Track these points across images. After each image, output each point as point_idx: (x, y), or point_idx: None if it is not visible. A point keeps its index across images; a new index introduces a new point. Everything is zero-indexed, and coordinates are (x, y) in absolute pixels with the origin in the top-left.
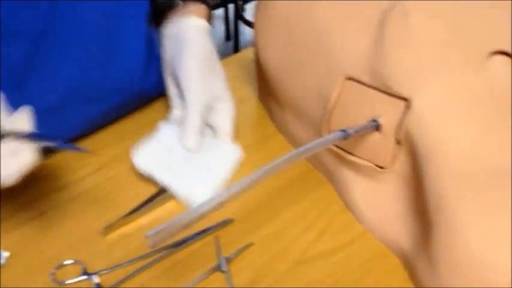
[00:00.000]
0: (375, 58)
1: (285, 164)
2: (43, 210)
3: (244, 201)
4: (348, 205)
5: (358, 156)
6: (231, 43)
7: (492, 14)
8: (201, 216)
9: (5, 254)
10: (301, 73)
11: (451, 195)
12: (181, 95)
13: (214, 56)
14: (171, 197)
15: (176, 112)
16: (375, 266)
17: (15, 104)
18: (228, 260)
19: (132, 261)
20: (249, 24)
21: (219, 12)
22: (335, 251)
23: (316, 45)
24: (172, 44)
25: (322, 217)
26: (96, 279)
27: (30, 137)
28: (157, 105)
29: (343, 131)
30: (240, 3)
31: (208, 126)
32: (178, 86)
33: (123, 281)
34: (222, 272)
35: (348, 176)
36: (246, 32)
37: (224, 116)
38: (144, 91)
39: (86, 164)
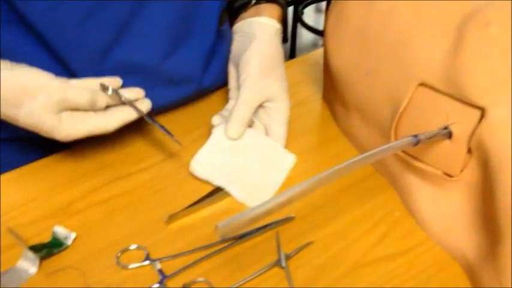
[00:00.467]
0: (451, 66)
1: (354, 165)
2: (110, 196)
3: (306, 200)
4: (411, 211)
5: (425, 163)
6: (287, 45)
7: None
8: (270, 211)
9: (72, 235)
10: (373, 77)
11: None
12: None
13: (279, 56)
14: None
15: (231, 103)
16: (436, 275)
17: None
18: (288, 257)
19: (193, 250)
20: (307, 27)
21: None
22: (395, 256)
23: (391, 50)
24: (240, 38)
25: (383, 221)
26: (158, 266)
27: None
28: (217, 97)
29: (415, 136)
30: (300, 7)
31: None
32: (238, 79)
33: (183, 269)
34: (281, 268)
35: (413, 182)
36: (303, 34)
37: (277, 118)
38: (204, 84)
39: (152, 155)
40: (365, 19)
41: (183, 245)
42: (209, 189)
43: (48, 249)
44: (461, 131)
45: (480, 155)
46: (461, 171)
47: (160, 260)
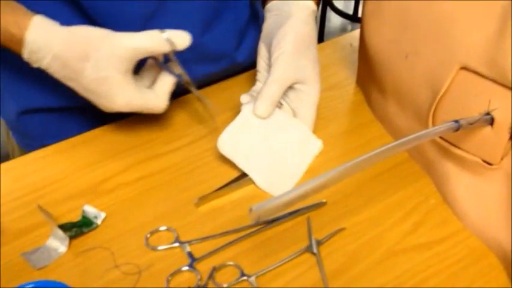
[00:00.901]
0: (494, 49)
1: (393, 150)
2: (140, 177)
3: (338, 186)
4: (447, 199)
5: (464, 150)
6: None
7: None
8: (305, 195)
9: (102, 214)
10: (412, 60)
11: None
12: (269, 69)
13: (313, 38)
14: None
15: (259, 85)
16: (472, 265)
17: None
18: (319, 243)
19: (223, 234)
20: (337, 11)
21: None
22: (430, 245)
23: (433, 32)
24: (275, 17)
25: (418, 209)
26: (187, 248)
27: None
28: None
29: (456, 121)
30: None
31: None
32: (268, 58)
33: (213, 252)
34: (313, 254)
35: (451, 170)
36: (332, 18)
37: (307, 101)
38: (238, 59)
39: (182, 136)
40: None
41: (213, 228)
42: (239, 172)
43: (78, 228)
44: (503, 118)
45: None
46: (502, 159)
47: (189, 242)
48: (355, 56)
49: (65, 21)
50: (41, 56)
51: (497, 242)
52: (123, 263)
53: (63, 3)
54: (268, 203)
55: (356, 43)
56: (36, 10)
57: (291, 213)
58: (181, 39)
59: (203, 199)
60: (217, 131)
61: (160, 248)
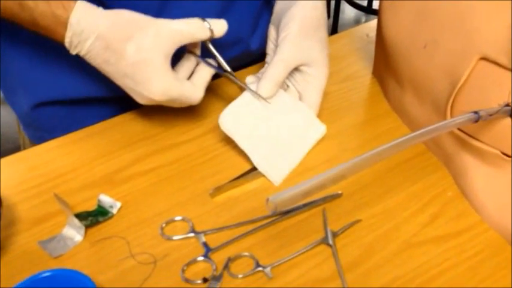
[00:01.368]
0: None
1: (411, 142)
2: (155, 166)
3: (354, 177)
4: (465, 192)
5: (483, 142)
6: (330, 21)
7: None
8: (323, 186)
9: (117, 204)
10: (430, 50)
11: None
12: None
13: (323, 21)
14: None
15: (267, 66)
16: (489, 258)
17: None
18: (335, 235)
19: (238, 224)
20: (351, 3)
21: None
22: (447, 237)
23: (452, 22)
24: (285, 0)
25: (435, 202)
26: (203, 238)
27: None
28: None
29: (475, 112)
30: None
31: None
32: (276, 40)
33: (228, 243)
34: (328, 245)
35: (469, 162)
36: (346, 10)
37: (314, 84)
38: (252, 46)
39: (198, 125)
40: None
41: (228, 219)
42: None
43: (94, 217)
44: None
45: None
46: None
47: (205, 232)
48: (371, 46)
49: None
50: (84, 37)
51: None
52: (139, 253)
53: None
54: (285, 193)
55: (372, 33)
56: None
57: (306, 205)
58: (220, 25)
59: (218, 189)
60: None
61: (175, 238)
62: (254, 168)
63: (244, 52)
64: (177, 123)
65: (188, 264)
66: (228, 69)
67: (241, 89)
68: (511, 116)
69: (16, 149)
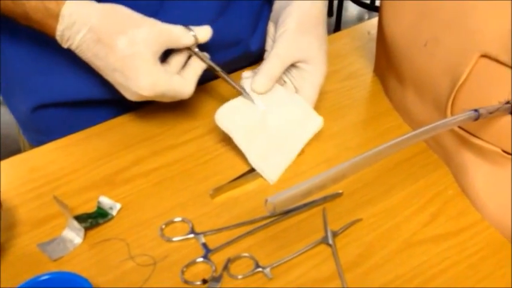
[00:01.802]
0: None
1: (411, 140)
2: (155, 167)
3: (354, 176)
4: (466, 190)
5: (483, 140)
6: (332, 19)
7: None
8: (322, 186)
9: (117, 205)
10: (431, 47)
11: None
12: None
13: (321, 18)
14: None
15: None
16: (490, 257)
17: None
18: (335, 234)
19: (238, 225)
20: (354, 0)
21: None
22: (448, 236)
23: (452, 19)
24: None
25: (436, 200)
26: (202, 239)
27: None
28: None
29: (475, 110)
30: None
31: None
32: (275, 36)
33: (228, 244)
34: (328, 245)
35: (469, 160)
36: (349, 8)
37: (311, 81)
38: (252, 47)
39: (198, 126)
40: None
41: (228, 219)
42: None
43: (93, 219)
44: None
45: None
46: None
47: (204, 233)
48: (373, 44)
49: None
50: (75, 30)
51: None
52: (138, 254)
53: None
54: (284, 193)
55: (374, 31)
56: None
57: (306, 204)
58: (204, 32)
59: (218, 190)
60: None
61: (175, 239)
62: (254, 169)
63: (244, 53)
64: (177, 124)
65: (188, 266)
66: (219, 68)
67: (233, 88)
68: (511, 113)
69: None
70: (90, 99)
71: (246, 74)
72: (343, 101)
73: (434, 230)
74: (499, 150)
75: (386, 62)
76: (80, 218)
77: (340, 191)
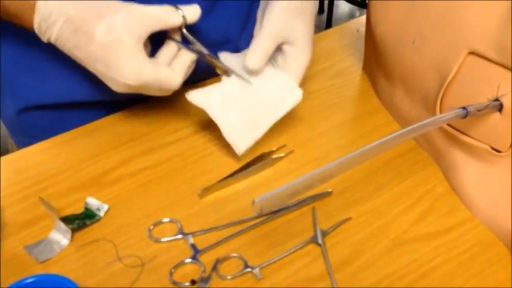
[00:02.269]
0: (503, 33)
1: (399, 139)
2: (143, 168)
3: (344, 174)
4: (455, 188)
5: (472, 137)
6: (323, 16)
7: None
8: (310, 186)
9: (105, 206)
10: (419, 45)
11: None
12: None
13: (309, 10)
14: (269, 164)
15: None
16: (480, 254)
17: None
18: (324, 233)
19: (227, 225)
20: None
21: None
22: (437, 234)
23: (440, 16)
24: None
25: (425, 198)
26: (191, 240)
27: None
28: None
29: (464, 108)
30: None
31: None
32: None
33: (217, 244)
34: (317, 244)
35: (458, 157)
36: (339, 5)
37: (294, 65)
38: (240, 46)
39: (187, 125)
40: None
41: (217, 219)
42: (244, 162)
43: (81, 220)
44: None
45: None
46: (511, 146)
47: (193, 234)
48: (362, 42)
49: None
50: (52, 21)
51: (505, 230)
52: (126, 255)
53: None
54: (271, 193)
55: (363, 29)
56: None
57: (295, 203)
58: (192, 11)
59: (207, 190)
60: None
61: (163, 240)
62: (243, 168)
63: (232, 52)
64: (165, 124)
65: (176, 267)
66: (208, 52)
67: (223, 72)
68: (500, 110)
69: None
70: (77, 101)
71: (223, 55)
72: (332, 99)
73: (424, 228)
74: (488, 148)
75: (374, 59)
76: (67, 220)
77: (330, 190)
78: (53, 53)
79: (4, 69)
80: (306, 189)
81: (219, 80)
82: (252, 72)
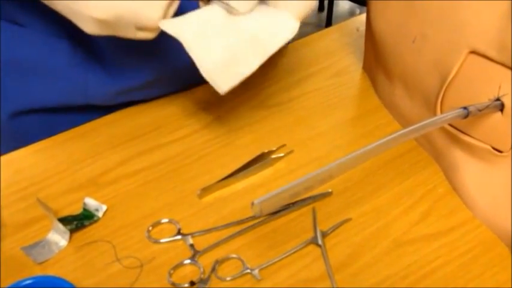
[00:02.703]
0: (505, 32)
1: (400, 139)
2: (141, 168)
3: (344, 175)
4: (456, 188)
5: (473, 137)
6: (323, 14)
7: None
8: (310, 187)
9: (103, 207)
10: (419, 44)
11: None
12: None
13: None
14: (268, 164)
15: None
16: (481, 255)
17: None
18: (324, 234)
19: (226, 225)
20: None
21: None
22: (438, 235)
23: (441, 14)
24: None
25: (426, 198)
26: (190, 241)
27: None
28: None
29: (465, 108)
30: None
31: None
32: None
33: (216, 245)
34: (317, 245)
35: (459, 157)
36: (340, 3)
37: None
38: None
39: (185, 125)
40: None
41: (216, 220)
42: (243, 161)
43: (79, 221)
44: None
45: None
46: None
47: (192, 234)
48: (362, 40)
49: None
50: None
51: (507, 231)
52: (125, 257)
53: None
54: (270, 196)
55: (363, 27)
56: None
57: (295, 204)
58: None
59: (206, 190)
60: (220, 120)
61: (162, 240)
62: (242, 168)
63: None
64: (163, 124)
65: (175, 268)
66: None
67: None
68: (501, 110)
69: None
70: (67, 106)
71: None
72: (332, 99)
73: (424, 229)
74: (489, 148)
75: (374, 58)
76: (65, 220)
77: (330, 190)
78: (43, 57)
79: None
80: (306, 191)
81: None
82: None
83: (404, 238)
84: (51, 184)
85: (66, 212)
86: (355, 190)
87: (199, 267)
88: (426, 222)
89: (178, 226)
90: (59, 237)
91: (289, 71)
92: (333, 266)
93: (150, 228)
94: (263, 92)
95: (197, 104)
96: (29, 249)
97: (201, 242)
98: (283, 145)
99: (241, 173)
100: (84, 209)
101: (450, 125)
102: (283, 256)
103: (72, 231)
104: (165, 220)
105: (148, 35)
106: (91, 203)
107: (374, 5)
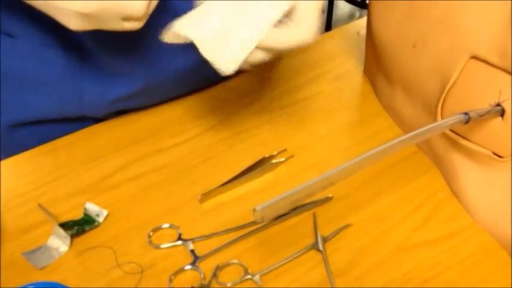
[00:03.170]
0: (506, 37)
1: (401, 145)
2: (142, 172)
3: (345, 180)
4: (456, 193)
5: (473, 142)
6: (323, 17)
7: None
8: (311, 193)
9: (104, 212)
10: (420, 48)
11: None
12: None
13: None
14: (269, 169)
15: None
16: (482, 261)
17: None
18: (325, 240)
19: (227, 231)
20: None
21: None
22: (439, 241)
23: (442, 19)
24: None
25: (426, 204)
26: (191, 246)
27: None
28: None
29: (465, 113)
30: None
31: None
32: None
33: (217, 250)
34: (318, 251)
35: (460, 163)
36: (340, 5)
37: None
38: None
39: (186, 130)
40: None
41: (217, 225)
42: (245, 166)
43: (80, 226)
44: None
45: None
46: None
47: (193, 240)
48: (363, 44)
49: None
50: None
51: (507, 237)
52: (126, 262)
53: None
54: (271, 202)
55: (363, 32)
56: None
57: (296, 209)
58: None
59: (207, 195)
60: (221, 125)
61: (163, 246)
62: (244, 173)
63: None
64: (164, 128)
65: (176, 273)
66: None
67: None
68: (502, 116)
69: None
70: (64, 118)
71: None
72: (333, 103)
73: (425, 234)
74: (490, 153)
75: (375, 63)
76: (66, 225)
77: (330, 195)
78: (33, 69)
79: None
80: (307, 197)
81: (221, 86)
82: None
83: (405, 244)
84: (52, 188)
85: (67, 217)
86: (355, 195)
87: (200, 273)
88: (427, 227)
89: (179, 231)
90: (59, 243)
91: (289, 75)
92: (333, 271)
93: (151, 233)
94: (263, 97)
95: (198, 109)
96: (29, 254)
97: (202, 248)
98: (284, 150)
99: (242, 178)
100: (85, 214)
101: (451, 130)
102: (284, 262)
103: (73, 237)
104: (165, 225)
105: (135, 25)
106: (92, 208)
107: (374, 10)
